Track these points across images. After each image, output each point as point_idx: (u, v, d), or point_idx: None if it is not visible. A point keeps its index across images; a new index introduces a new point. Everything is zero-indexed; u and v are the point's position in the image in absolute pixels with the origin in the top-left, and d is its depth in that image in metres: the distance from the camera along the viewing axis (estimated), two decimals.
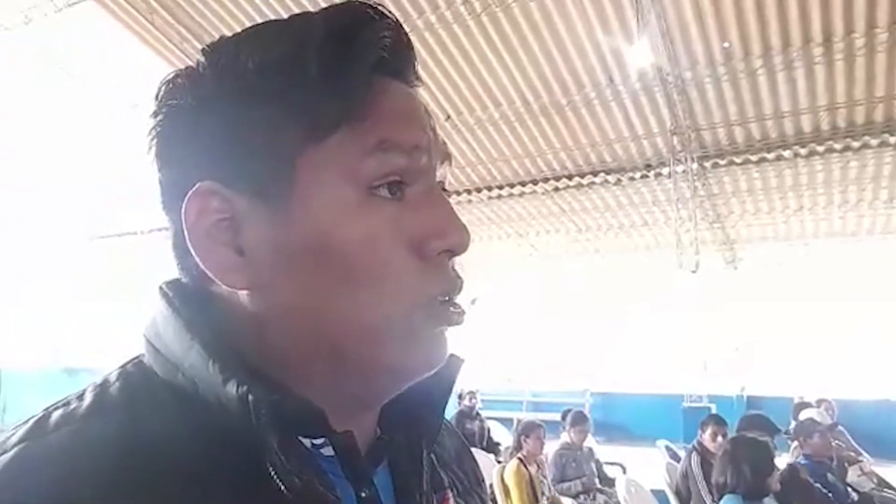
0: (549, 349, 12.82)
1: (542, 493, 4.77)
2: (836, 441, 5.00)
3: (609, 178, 6.08)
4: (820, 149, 5.42)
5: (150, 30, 4.45)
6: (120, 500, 0.39)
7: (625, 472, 5.97)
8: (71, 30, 4.36)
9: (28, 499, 0.38)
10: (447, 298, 0.51)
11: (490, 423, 8.38)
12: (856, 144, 5.35)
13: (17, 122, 5.26)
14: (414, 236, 0.49)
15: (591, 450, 5.90)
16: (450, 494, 0.58)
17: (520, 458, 4.84)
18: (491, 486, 4.80)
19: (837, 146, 5.38)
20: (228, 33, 0.53)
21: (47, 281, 9.91)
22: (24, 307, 10.50)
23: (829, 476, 4.50)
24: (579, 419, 5.81)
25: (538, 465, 4.94)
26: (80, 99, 4.87)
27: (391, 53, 0.50)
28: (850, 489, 4.61)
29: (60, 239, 8.21)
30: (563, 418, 6.18)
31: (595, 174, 6.06)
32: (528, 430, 4.97)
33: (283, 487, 0.42)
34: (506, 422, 10.81)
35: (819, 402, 7.74)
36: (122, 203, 6.37)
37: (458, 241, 0.51)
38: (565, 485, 5.37)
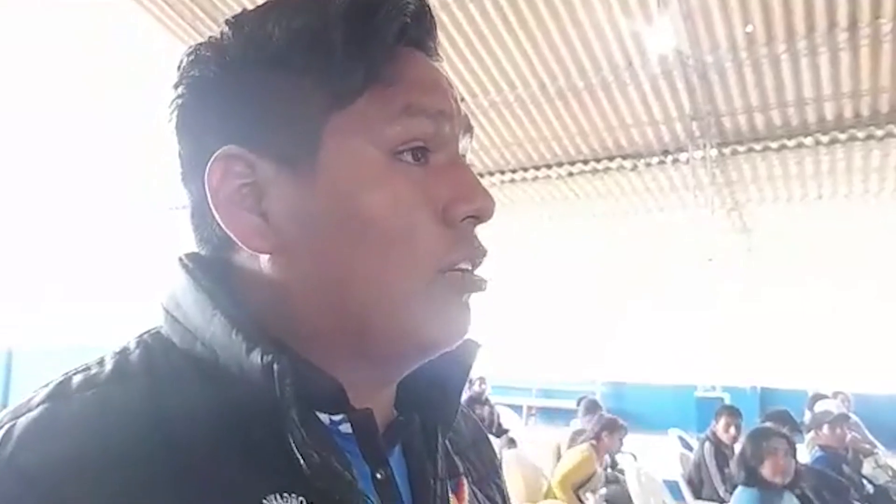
0: (561, 336, 12.78)
1: (591, 491, 4.67)
2: (852, 433, 4.95)
3: (625, 163, 6.01)
4: (842, 137, 5.32)
5: (163, 8, 4.42)
6: (142, 463, 0.40)
7: (636, 460, 5.93)
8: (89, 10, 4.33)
9: (53, 458, 0.39)
10: (470, 267, 0.51)
11: (499, 409, 8.40)
12: (879, 133, 5.25)
13: (35, 103, 5.26)
14: (439, 201, 0.49)
15: None
16: (464, 481, 0.58)
17: (594, 447, 4.72)
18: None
19: (860, 134, 5.28)
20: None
21: (60, 263, 9.99)
22: (36, 286, 10.60)
23: (845, 468, 4.46)
24: (592, 408, 5.81)
25: (602, 463, 4.84)
26: (102, 78, 4.85)
27: (414, 22, 0.51)
28: (865, 481, 4.56)
29: (74, 219, 8.24)
30: (578, 405, 6.20)
31: (611, 159, 5.99)
32: (611, 427, 4.84)
33: (301, 462, 0.42)
34: (515, 408, 10.82)
35: (835, 395, 7.67)
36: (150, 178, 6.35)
37: (483, 206, 0.50)
38: None
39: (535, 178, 6.45)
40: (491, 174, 6.36)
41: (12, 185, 6.92)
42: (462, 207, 0.50)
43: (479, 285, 0.51)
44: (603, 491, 4.89)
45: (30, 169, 6.65)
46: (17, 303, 10.84)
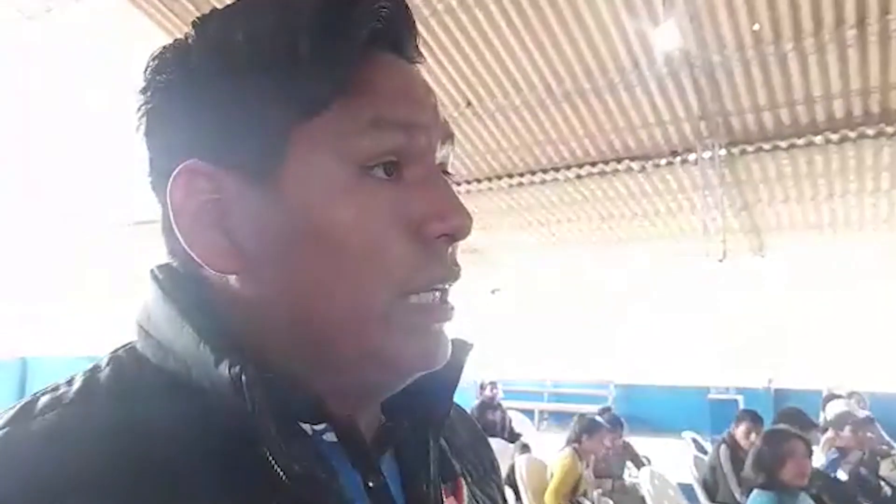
0: (571, 340, 12.75)
1: (585, 493, 4.70)
2: (869, 433, 4.90)
3: (633, 165, 5.99)
4: (852, 134, 5.28)
5: (169, 17, 4.44)
6: (103, 486, 0.38)
7: (649, 463, 5.90)
8: (92, 18, 4.37)
9: (7, 485, 0.37)
10: (444, 286, 0.48)
11: (511, 414, 8.38)
12: (889, 130, 5.21)
13: (39, 109, 5.30)
14: (411, 218, 0.47)
15: (625, 445, 5.89)
16: (462, 482, 0.56)
17: (575, 450, 4.76)
18: (510, 475, 4.76)
19: (870, 132, 5.24)
20: None
21: (74, 271, 10.05)
22: (51, 297, 10.66)
23: (862, 469, 4.41)
24: (614, 425, 5.77)
25: (588, 463, 4.86)
26: (105, 84, 4.88)
27: (388, 25, 0.48)
28: (882, 483, 4.51)
29: (87, 228, 8.29)
30: (602, 415, 6.18)
31: (619, 161, 5.97)
32: (592, 430, 4.86)
33: (281, 474, 0.41)
34: (527, 412, 10.79)
35: (850, 395, 7.61)
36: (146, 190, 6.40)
37: (458, 224, 0.48)
38: (595, 480, 5.37)
39: (543, 182, 6.43)
40: (499, 178, 6.35)
41: (23, 191, 6.99)
42: (436, 225, 0.47)
43: (447, 315, 0.49)
44: (595, 493, 4.94)
45: (36, 177, 6.71)
46: (31, 311, 10.92)
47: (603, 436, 4.97)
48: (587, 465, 4.82)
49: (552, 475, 4.70)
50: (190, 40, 0.48)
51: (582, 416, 5.10)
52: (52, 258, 9.42)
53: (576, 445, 4.79)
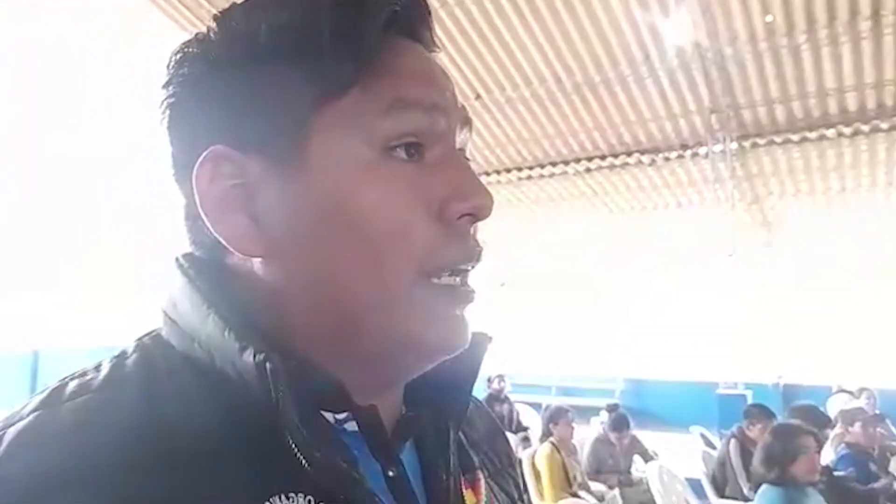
0: (580, 333, 12.74)
1: (574, 478, 4.76)
2: (879, 430, 4.88)
3: (643, 158, 5.94)
4: (865, 128, 5.22)
5: (183, 12, 4.43)
6: (132, 471, 0.39)
7: (657, 458, 5.89)
8: (103, 15, 4.37)
9: (39, 467, 0.38)
10: (466, 267, 0.49)
11: (519, 407, 8.39)
12: None
13: (47, 103, 5.31)
14: (434, 199, 0.47)
15: (632, 440, 5.89)
16: (481, 475, 0.57)
17: (552, 443, 4.86)
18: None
19: (884, 125, 5.18)
20: None
21: (85, 264, 10.10)
22: (63, 290, 10.73)
23: (871, 466, 4.39)
24: (620, 425, 5.80)
25: (569, 451, 4.96)
26: (118, 74, 4.89)
27: (405, 11, 0.49)
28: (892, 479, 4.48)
29: (97, 221, 8.33)
30: (610, 412, 6.18)
31: (629, 154, 5.93)
32: (556, 417, 5.04)
33: (303, 461, 0.41)
34: (535, 406, 10.82)
35: (860, 391, 7.58)
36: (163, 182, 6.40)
37: (480, 203, 0.49)
38: (602, 476, 5.41)
39: (552, 175, 6.40)
40: (508, 171, 6.32)
41: (34, 185, 7.03)
42: (458, 205, 0.48)
43: (469, 297, 0.50)
44: (603, 488, 5.02)
45: (49, 171, 6.74)
46: (42, 304, 10.98)
47: (568, 419, 5.11)
48: (568, 454, 4.94)
49: (538, 474, 4.79)
50: (212, 34, 0.50)
51: (546, 407, 5.24)
52: (63, 251, 9.47)
53: (551, 439, 4.93)
